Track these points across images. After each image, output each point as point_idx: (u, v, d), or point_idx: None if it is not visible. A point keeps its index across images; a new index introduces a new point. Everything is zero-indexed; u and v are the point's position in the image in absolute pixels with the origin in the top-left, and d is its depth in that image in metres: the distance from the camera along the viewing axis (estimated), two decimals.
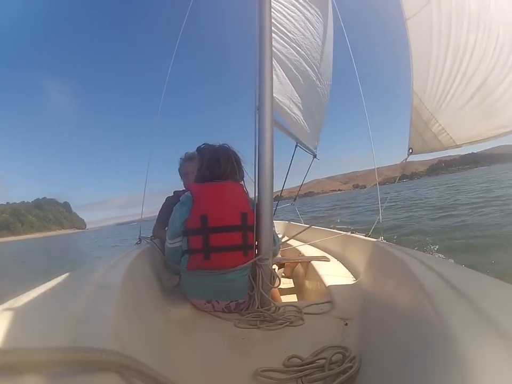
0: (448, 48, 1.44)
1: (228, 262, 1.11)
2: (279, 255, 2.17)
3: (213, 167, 1.22)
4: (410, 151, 1.62)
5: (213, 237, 1.10)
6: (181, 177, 1.74)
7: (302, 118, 2.63)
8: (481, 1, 1.37)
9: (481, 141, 1.42)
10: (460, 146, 1.48)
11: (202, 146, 1.33)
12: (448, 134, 1.48)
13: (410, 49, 1.55)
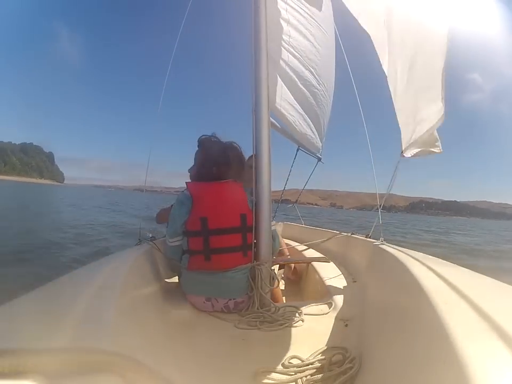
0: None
1: (228, 263, 1.12)
2: (286, 251, 2.17)
3: (221, 167, 1.21)
4: (402, 154, 1.64)
5: (213, 239, 1.11)
6: None
7: (300, 120, 2.62)
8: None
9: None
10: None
11: (203, 137, 1.28)
12: (438, 139, 1.52)
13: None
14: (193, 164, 1.33)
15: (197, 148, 1.31)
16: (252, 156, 2.29)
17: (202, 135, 1.29)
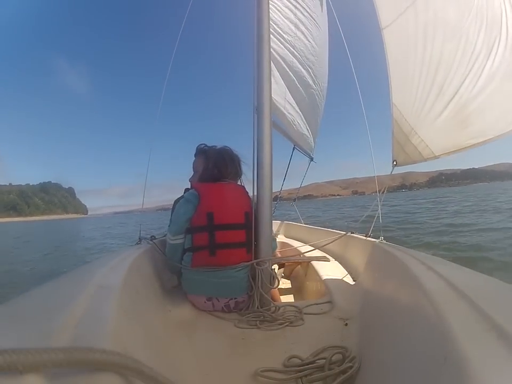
0: (424, 58, 1.47)
1: (233, 259, 1.14)
2: (278, 254, 2.18)
3: (221, 167, 1.27)
4: (395, 163, 1.64)
5: (218, 234, 1.14)
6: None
7: (297, 120, 2.63)
8: (461, 10, 1.38)
9: (457, 151, 1.47)
10: (439, 157, 1.54)
11: (203, 146, 1.39)
12: (427, 145, 1.52)
13: (387, 60, 1.55)
14: (192, 173, 1.42)
15: (194, 158, 1.43)
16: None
17: (201, 144, 1.41)
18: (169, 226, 1.26)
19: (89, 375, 0.35)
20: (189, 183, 1.46)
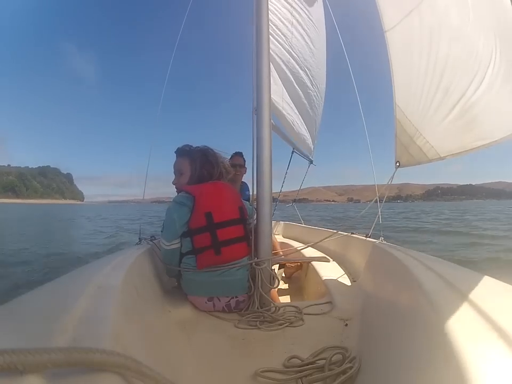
0: (429, 60, 1.44)
1: (237, 254, 1.16)
2: (280, 252, 2.18)
3: (209, 168, 1.28)
4: (398, 164, 1.63)
5: (220, 232, 1.14)
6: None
7: (297, 121, 2.63)
8: (462, 14, 1.38)
9: (464, 153, 1.44)
10: (443, 159, 1.51)
11: (186, 147, 1.33)
12: (432, 146, 1.50)
13: (391, 62, 1.54)
14: (174, 176, 1.33)
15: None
16: (233, 154, 2.30)
17: (184, 145, 1.34)
18: (162, 232, 1.22)
19: (89, 375, 0.35)
20: (173, 186, 1.36)
